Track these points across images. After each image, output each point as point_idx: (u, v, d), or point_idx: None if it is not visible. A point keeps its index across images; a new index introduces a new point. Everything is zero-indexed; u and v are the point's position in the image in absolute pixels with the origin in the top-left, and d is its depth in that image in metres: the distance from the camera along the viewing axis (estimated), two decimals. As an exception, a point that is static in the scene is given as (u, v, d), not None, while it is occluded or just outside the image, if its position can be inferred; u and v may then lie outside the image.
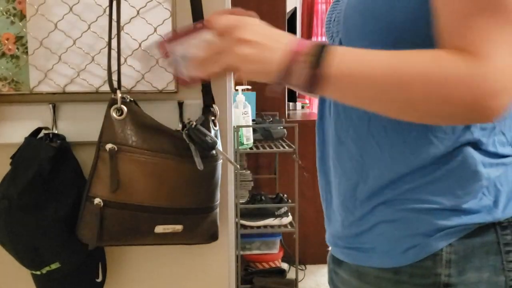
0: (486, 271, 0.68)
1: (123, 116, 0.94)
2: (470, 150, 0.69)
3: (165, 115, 1.07)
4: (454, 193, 0.69)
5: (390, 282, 0.72)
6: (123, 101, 0.95)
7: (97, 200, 0.93)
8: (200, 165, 0.93)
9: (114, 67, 0.97)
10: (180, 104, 1.07)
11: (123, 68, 1.04)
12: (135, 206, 0.94)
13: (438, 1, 0.62)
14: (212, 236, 1.05)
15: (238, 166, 1.06)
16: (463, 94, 0.58)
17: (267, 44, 0.64)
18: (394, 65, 0.60)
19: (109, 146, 0.93)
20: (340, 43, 0.74)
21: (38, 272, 1.00)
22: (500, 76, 0.58)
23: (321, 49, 0.62)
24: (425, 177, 0.69)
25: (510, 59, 0.59)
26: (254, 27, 0.66)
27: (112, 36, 0.97)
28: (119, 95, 0.94)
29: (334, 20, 0.79)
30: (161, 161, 0.95)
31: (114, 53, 0.97)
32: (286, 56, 0.63)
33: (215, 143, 0.96)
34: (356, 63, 0.62)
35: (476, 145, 0.69)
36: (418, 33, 0.66)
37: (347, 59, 0.62)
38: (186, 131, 0.95)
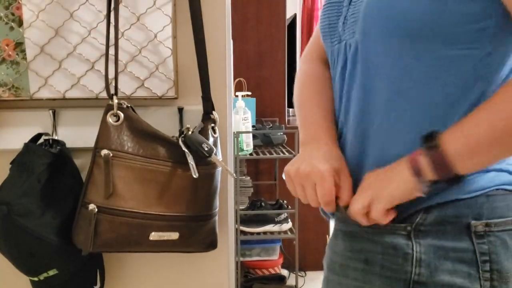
0: (460, 277, 0.69)
1: (119, 122, 0.94)
2: None
3: (165, 121, 1.07)
4: None
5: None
6: (120, 107, 0.95)
7: (91, 206, 0.92)
8: (195, 173, 0.93)
9: (114, 73, 0.98)
10: (180, 110, 1.07)
11: (123, 74, 1.04)
12: (129, 213, 0.93)
13: None
14: (210, 244, 1.04)
15: (234, 175, 1.05)
16: None
17: (388, 180, 0.71)
18: (492, 120, 0.64)
19: (104, 152, 0.93)
20: (356, 43, 0.74)
21: (36, 278, 0.99)
22: None
23: (430, 139, 0.66)
24: None
25: None
26: (371, 186, 0.72)
27: (111, 43, 0.97)
28: (115, 101, 0.94)
29: (346, 22, 0.78)
30: (156, 167, 0.95)
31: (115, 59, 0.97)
32: (408, 167, 0.68)
33: (211, 150, 0.95)
34: (464, 137, 0.65)
35: None
36: (442, 31, 0.67)
37: (454, 137, 0.66)
38: (183, 138, 0.95)
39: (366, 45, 0.72)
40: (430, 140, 0.66)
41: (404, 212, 0.72)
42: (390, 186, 0.70)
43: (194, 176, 0.93)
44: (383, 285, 0.72)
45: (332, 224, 0.87)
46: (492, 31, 0.66)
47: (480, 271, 0.68)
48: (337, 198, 0.75)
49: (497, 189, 0.70)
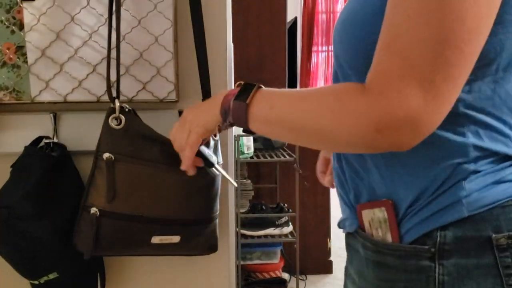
0: None
1: (121, 126, 0.94)
2: None
3: (166, 124, 1.07)
4: None
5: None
6: (122, 111, 0.94)
7: (93, 210, 0.92)
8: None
9: (115, 77, 0.98)
10: (181, 113, 1.07)
11: (125, 78, 1.05)
12: (131, 216, 0.93)
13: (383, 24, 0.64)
14: (211, 247, 1.04)
15: (236, 184, 1.05)
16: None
17: (203, 105, 0.84)
18: (302, 98, 0.69)
19: (106, 155, 0.92)
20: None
21: (36, 282, 0.99)
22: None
23: (247, 87, 0.75)
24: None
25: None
26: (188, 111, 0.86)
27: (113, 46, 0.97)
28: (117, 104, 0.94)
29: None
30: (158, 171, 0.95)
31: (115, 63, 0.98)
32: (220, 100, 0.78)
33: (214, 162, 0.95)
34: (276, 99, 0.72)
35: None
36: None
37: (269, 95, 0.74)
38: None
39: (336, 54, 0.78)
40: (245, 92, 0.74)
41: (415, 231, 0.72)
42: (204, 118, 0.82)
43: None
44: None
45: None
46: None
47: (505, 286, 0.67)
48: None
49: (511, 200, 0.69)
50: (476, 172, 0.69)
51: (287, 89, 0.73)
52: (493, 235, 0.67)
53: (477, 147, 0.69)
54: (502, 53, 0.67)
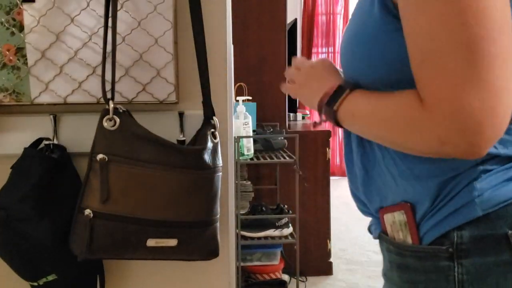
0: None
1: (115, 127, 0.94)
2: None
3: (166, 126, 1.07)
4: None
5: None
6: (116, 112, 0.94)
7: (87, 211, 0.92)
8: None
9: (116, 78, 0.97)
10: (181, 115, 1.07)
11: (125, 79, 1.05)
12: (125, 218, 0.92)
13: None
14: (211, 252, 1.02)
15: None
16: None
17: (313, 88, 0.86)
18: (373, 112, 0.74)
19: (100, 156, 0.92)
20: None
21: (35, 284, 0.99)
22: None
23: (339, 91, 0.79)
24: None
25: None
26: (310, 73, 0.89)
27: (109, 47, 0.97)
28: (111, 105, 0.94)
29: None
30: (153, 172, 0.94)
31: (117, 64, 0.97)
32: (319, 97, 0.82)
33: None
34: (356, 109, 0.77)
35: None
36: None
37: (353, 103, 0.77)
38: None
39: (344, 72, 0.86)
40: (336, 97, 0.79)
41: (433, 233, 0.74)
42: (310, 97, 0.87)
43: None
44: None
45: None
46: None
47: None
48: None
49: None
50: (486, 171, 0.71)
51: (369, 95, 0.75)
52: (509, 232, 0.68)
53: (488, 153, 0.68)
54: None
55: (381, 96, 0.73)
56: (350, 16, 0.85)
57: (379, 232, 0.84)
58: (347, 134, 0.89)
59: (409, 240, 0.76)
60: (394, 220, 0.78)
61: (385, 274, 0.84)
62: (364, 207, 0.87)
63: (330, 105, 0.79)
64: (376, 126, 0.73)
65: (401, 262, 0.78)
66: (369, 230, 0.90)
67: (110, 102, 0.94)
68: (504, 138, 0.71)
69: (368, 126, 0.75)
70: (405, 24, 0.66)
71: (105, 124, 0.93)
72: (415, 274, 0.75)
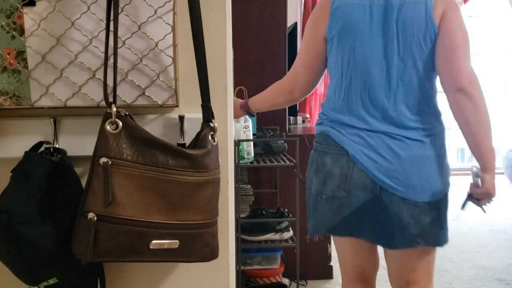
0: None
1: (117, 130, 0.94)
2: None
3: (166, 129, 1.07)
4: None
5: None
6: (118, 115, 0.95)
7: (90, 215, 0.92)
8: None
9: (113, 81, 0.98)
10: (181, 118, 1.07)
11: (124, 83, 1.05)
12: (129, 221, 0.93)
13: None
14: (211, 254, 1.02)
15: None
16: None
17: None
18: (264, 99, 1.98)
19: (103, 160, 0.92)
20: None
21: (36, 287, 0.99)
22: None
23: (245, 102, 1.94)
24: None
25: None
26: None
27: (111, 51, 0.98)
28: (114, 109, 0.94)
29: None
30: (156, 175, 0.94)
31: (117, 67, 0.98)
32: (238, 108, 1.93)
33: None
34: (255, 104, 1.94)
35: None
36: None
37: (253, 103, 1.94)
38: None
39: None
40: (245, 105, 1.93)
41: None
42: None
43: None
44: None
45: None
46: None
47: None
48: None
49: None
50: None
51: (258, 95, 1.92)
52: None
53: None
54: None
55: (266, 90, 1.91)
56: None
57: None
58: None
59: None
60: None
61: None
62: None
63: (247, 109, 1.92)
64: (268, 100, 1.90)
65: None
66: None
67: (113, 105, 0.94)
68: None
69: (265, 103, 1.90)
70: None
71: (107, 127, 0.94)
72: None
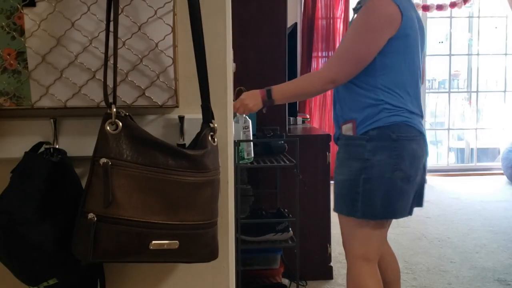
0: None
1: (117, 131, 0.94)
2: None
3: (166, 130, 1.07)
4: None
5: None
6: (118, 116, 0.94)
7: (90, 215, 0.91)
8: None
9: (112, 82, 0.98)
10: (181, 119, 1.07)
11: (124, 83, 1.05)
12: (129, 221, 0.93)
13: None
14: (211, 254, 1.02)
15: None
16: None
17: (251, 98, 2.06)
18: (295, 87, 2.10)
19: (103, 160, 0.92)
20: None
21: (36, 287, 0.99)
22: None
23: (268, 90, 2.03)
24: None
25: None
26: (245, 96, 2.09)
27: (110, 52, 0.98)
28: (113, 109, 0.94)
29: None
30: (156, 175, 0.94)
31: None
32: (260, 98, 2.05)
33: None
34: (282, 92, 2.06)
35: None
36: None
37: (278, 90, 2.04)
38: None
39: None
40: (269, 93, 2.02)
41: (361, 130, 1.94)
42: (252, 102, 2.06)
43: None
44: None
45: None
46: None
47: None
48: None
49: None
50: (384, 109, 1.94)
51: (283, 84, 2.17)
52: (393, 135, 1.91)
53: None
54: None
55: (293, 81, 2.12)
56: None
57: (338, 134, 2.04)
58: (336, 92, 2.09)
59: (351, 134, 1.97)
60: (347, 127, 1.98)
61: (337, 158, 2.03)
62: (336, 126, 2.07)
63: (269, 98, 2.02)
64: (297, 91, 2.07)
65: (345, 143, 1.99)
66: (335, 141, 2.08)
67: (113, 106, 0.94)
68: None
69: (294, 94, 2.08)
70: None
71: (107, 128, 0.94)
72: (350, 147, 1.95)
